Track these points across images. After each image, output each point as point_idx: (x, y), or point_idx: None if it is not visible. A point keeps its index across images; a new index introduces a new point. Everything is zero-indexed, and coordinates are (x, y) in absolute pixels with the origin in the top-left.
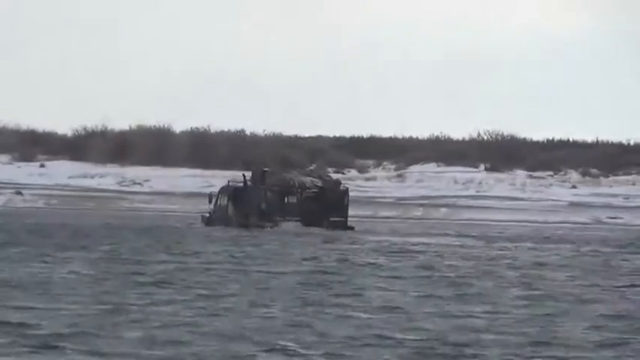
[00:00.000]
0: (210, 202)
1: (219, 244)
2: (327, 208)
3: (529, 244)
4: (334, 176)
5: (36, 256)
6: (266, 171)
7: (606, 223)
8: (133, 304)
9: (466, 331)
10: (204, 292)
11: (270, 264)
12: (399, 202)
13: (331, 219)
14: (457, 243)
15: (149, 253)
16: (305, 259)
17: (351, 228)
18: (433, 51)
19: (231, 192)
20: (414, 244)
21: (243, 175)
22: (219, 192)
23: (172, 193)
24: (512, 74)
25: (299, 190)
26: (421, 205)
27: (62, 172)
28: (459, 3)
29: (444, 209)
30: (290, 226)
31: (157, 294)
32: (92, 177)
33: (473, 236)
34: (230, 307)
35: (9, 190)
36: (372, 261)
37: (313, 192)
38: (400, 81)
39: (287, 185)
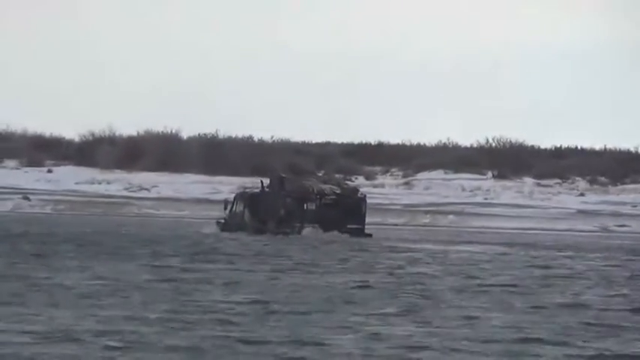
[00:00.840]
0: (225, 208)
1: (256, 250)
2: (346, 215)
3: (569, 253)
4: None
5: (92, 264)
6: (284, 177)
7: (614, 231)
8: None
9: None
10: (298, 304)
11: (333, 272)
12: (407, 209)
13: (349, 226)
14: (496, 251)
15: (196, 259)
16: (360, 268)
17: (369, 235)
18: (441, 58)
19: (248, 198)
20: (457, 252)
21: (261, 181)
22: (235, 198)
23: (180, 199)
24: (520, 82)
25: (318, 196)
26: (428, 212)
27: (69, 177)
28: (467, 11)
29: (451, 216)
30: (310, 232)
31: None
32: (99, 183)
33: (504, 244)
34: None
35: (16, 196)
36: (428, 271)
37: (332, 199)
38: (408, 88)
39: (306, 192)
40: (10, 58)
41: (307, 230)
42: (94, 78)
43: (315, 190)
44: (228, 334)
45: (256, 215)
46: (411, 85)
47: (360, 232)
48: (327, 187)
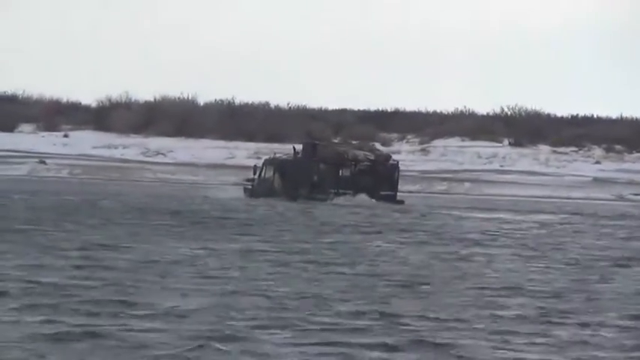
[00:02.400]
0: (254, 173)
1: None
2: (379, 182)
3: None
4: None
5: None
6: (317, 144)
7: (629, 200)
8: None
9: None
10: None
11: (445, 245)
12: (423, 176)
13: (382, 193)
14: (552, 220)
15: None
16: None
17: (401, 202)
18: (458, 26)
19: (278, 164)
20: (529, 222)
21: (294, 147)
22: (264, 164)
23: (196, 164)
24: (536, 50)
25: (353, 163)
26: (445, 179)
27: (86, 142)
28: None
29: (467, 184)
30: (345, 199)
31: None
32: (116, 147)
33: (551, 212)
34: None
35: (33, 160)
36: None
37: (366, 165)
38: (425, 55)
39: (341, 158)
40: (27, 24)
41: (343, 197)
42: (111, 43)
43: (350, 157)
44: None
45: (287, 181)
46: (427, 52)
47: (393, 199)
48: (360, 154)
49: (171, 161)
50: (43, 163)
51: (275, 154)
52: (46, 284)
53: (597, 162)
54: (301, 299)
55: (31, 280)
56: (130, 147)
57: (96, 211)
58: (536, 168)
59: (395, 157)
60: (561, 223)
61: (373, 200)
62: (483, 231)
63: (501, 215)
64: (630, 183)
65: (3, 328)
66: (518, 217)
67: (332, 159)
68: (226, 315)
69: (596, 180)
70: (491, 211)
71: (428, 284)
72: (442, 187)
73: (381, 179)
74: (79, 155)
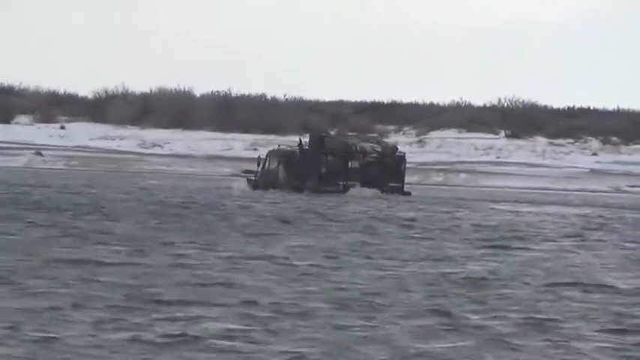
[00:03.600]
0: (258, 165)
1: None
2: (387, 174)
3: None
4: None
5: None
6: (324, 136)
7: (626, 192)
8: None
9: None
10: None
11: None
12: (420, 168)
13: (390, 184)
14: (584, 213)
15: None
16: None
17: (408, 193)
18: (455, 18)
19: (283, 156)
20: (575, 215)
21: (300, 139)
22: (268, 155)
23: (192, 155)
24: (533, 41)
25: (361, 155)
26: (441, 170)
27: (82, 133)
28: None
29: (463, 175)
30: (356, 191)
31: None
32: (112, 139)
33: (580, 205)
34: None
35: (29, 151)
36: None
37: (374, 157)
38: (422, 47)
39: (350, 150)
40: (24, 16)
41: (352, 189)
42: (108, 35)
43: (358, 149)
44: None
45: (294, 173)
46: (424, 44)
47: (400, 190)
48: (368, 146)
49: (167, 153)
50: (40, 154)
51: (279, 145)
52: None
53: (594, 154)
54: None
55: None
56: (126, 139)
57: (160, 208)
58: (533, 160)
59: None
60: (618, 217)
61: (383, 192)
62: (553, 226)
63: (531, 209)
64: (627, 175)
65: None
66: (553, 210)
67: (340, 151)
68: None
69: (592, 172)
70: (510, 203)
71: None
72: (439, 178)
73: (389, 171)
74: (76, 147)
